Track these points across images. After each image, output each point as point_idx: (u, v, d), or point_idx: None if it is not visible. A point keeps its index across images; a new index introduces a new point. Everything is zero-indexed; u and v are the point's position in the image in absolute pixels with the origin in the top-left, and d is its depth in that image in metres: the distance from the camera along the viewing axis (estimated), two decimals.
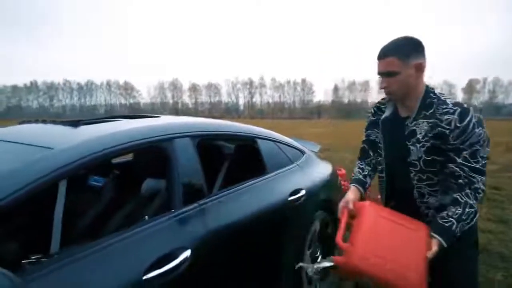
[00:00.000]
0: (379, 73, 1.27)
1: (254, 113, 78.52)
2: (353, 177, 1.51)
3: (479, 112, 1.22)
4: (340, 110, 75.17)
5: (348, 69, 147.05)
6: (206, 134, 1.61)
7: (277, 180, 1.87)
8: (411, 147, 1.28)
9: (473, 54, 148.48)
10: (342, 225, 1.29)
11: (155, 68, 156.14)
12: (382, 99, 1.47)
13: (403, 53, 1.20)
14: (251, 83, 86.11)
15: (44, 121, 1.50)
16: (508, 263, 2.68)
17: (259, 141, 1.94)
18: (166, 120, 1.59)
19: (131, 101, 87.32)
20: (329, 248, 2.26)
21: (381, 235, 1.22)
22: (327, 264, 1.21)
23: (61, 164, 0.99)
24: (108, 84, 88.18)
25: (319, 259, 2.18)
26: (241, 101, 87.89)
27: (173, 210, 1.24)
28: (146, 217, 1.20)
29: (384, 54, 1.23)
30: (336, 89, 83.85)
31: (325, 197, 2.19)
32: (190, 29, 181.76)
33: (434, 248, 1.17)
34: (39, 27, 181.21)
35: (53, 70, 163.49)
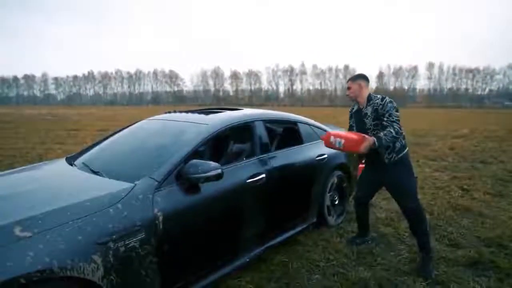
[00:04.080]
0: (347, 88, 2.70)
1: (294, 100, 78.68)
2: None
3: None
4: None
5: (394, 54, 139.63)
6: (269, 119, 2.88)
7: (309, 147, 3.09)
8: (366, 121, 2.62)
9: None
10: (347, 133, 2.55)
11: (198, 57, 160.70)
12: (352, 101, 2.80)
13: (353, 79, 2.67)
14: (291, 70, 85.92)
15: (186, 111, 2.83)
16: (482, 217, 3.59)
17: (298, 124, 3.17)
18: (248, 111, 2.84)
19: (175, 88, 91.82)
20: (343, 195, 3.44)
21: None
22: None
23: (216, 130, 2.27)
24: (155, 72, 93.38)
25: (336, 202, 3.37)
26: (281, 89, 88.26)
27: (255, 156, 2.51)
28: (244, 158, 2.50)
29: (347, 80, 2.71)
30: (380, 75, 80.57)
31: (341, 161, 3.34)
32: (231, 17, 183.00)
33: (371, 141, 2.34)
34: (96, 23, 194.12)
35: (106, 61, 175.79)
